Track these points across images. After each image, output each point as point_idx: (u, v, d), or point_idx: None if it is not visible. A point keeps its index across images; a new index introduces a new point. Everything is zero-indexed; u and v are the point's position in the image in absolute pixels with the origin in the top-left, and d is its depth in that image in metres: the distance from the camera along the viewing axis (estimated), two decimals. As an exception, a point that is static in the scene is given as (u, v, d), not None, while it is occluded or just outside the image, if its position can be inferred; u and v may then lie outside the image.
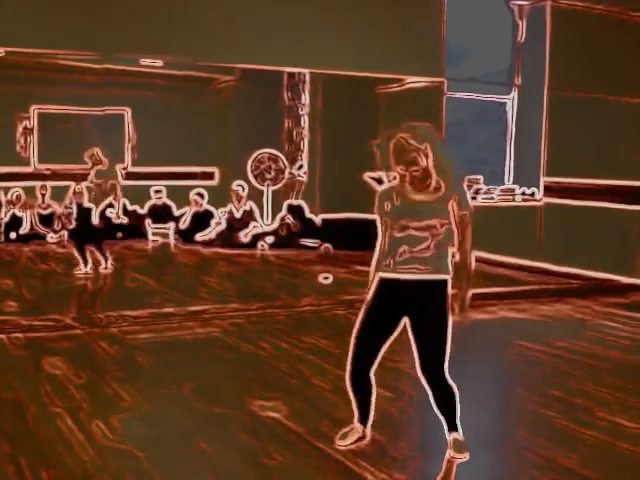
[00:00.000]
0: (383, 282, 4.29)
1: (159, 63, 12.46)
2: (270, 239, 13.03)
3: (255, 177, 13.63)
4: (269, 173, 13.72)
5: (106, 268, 10.14)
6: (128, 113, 14.92)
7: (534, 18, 12.03)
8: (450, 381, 4.24)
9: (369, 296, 4.35)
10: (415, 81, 12.12)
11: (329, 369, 6.01)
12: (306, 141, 13.92)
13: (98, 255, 10.15)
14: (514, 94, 12.52)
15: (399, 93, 12.79)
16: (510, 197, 12.11)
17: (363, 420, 4.42)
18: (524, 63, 12.34)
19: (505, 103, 12.61)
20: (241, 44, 10.26)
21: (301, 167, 13.81)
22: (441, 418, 4.30)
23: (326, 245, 12.67)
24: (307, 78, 13.69)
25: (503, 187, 12.26)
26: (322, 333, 7.26)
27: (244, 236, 12.93)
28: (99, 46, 9.91)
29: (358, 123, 13.29)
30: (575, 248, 10.14)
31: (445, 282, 4.20)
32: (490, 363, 6.67)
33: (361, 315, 4.38)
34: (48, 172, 14.37)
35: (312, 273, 10.30)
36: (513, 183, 12.42)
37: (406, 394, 5.56)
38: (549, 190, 11.85)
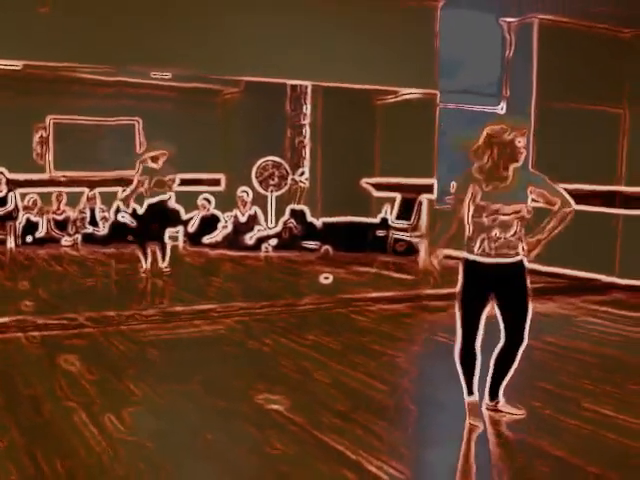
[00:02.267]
0: (474, 264, 4.58)
1: (168, 76, 12.46)
2: (274, 242, 13.02)
3: (259, 183, 13.62)
4: (273, 179, 13.71)
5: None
6: (139, 123, 14.90)
7: (522, 33, 12.01)
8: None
9: (462, 279, 4.66)
10: (410, 93, 12.12)
11: (330, 364, 6.00)
12: (307, 149, 13.91)
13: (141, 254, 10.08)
14: (503, 105, 12.49)
15: (395, 104, 12.79)
16: (500, 202, 12.07)
17: (470, 392, 4.70)
18: (512, 76, 12.31)
19: (494, 114, 12.57)
20: (245, 58, 10.26)
21: (303, 174, 13.80)
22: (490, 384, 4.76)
23: (326, 247, 12.65)
24: (308, 90, 13.68)
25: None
26: (323, 330, 7.25)
27: (249, 239, 12.91)
28: (112, 59, 9.91)
29: (356, 132, 13.30)
30: (560, 249, 10.11)
31: (523, 262, 4.60)
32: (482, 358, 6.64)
33: (459, 297, 4.68)
34: (63, 179, 14.36)
35: (313, 273, 10.28)
36: (502, 188, 12.37)
37: (401, 387, 5.55)
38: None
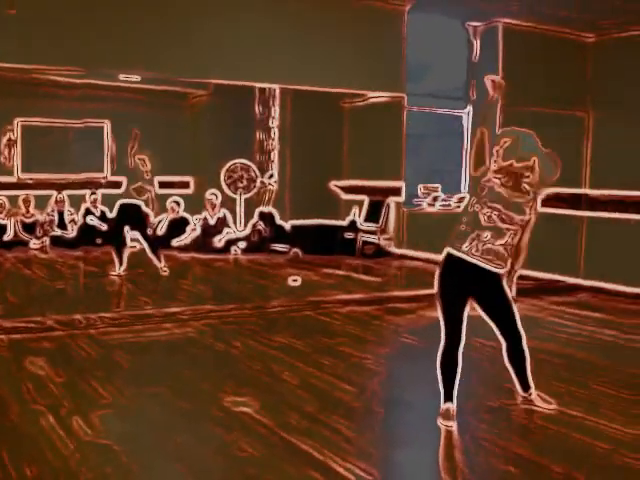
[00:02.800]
0: (458, 262, 4.61)
1: (137, 78, 12.40)
2: (243, 244, 13.00)
3: (228, 186, 13.59)
4: (241, 182, 13.69)
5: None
6: (108, 125, 14.81)
7: (487, 37, 12.11)
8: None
9: (441, 277, 4.73)
10: (377, 96, 12.17)
11: (298, 366, 6.01)
12: (276, 152, 13.91)
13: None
14: (469, 108, 12.59)
15: (363, 107, 12.85)
16: (466, 204, 12.17)
17: (448, 399, 4.73)
18: (478, 79, 12.40)
19: (461, 117, 12.68)
20: (214, 61, 10.25)
21: (272, 176, 13.79)
22: (517, 380, 4.91)
23: (295, 250, 12.66)
24: (277, 93, 13.69)
25: (460, 195, 12.33)
26: (292, 333, 7.25)
27: (218, 241, 12.88)
28: (81, 62, 9.84)
29: (325, 135, 13.34)
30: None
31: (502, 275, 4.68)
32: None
33: (439, 297, 4.73)
34: (31, 181, 14.23)
35: (282, 276, 10.28)
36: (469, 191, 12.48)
37: (369, 389, 5.57)
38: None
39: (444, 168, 13.13)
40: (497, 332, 4.82)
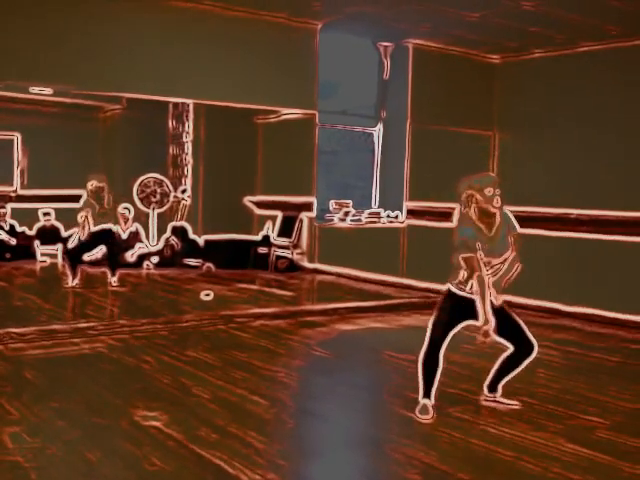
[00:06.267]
0: (462, 299, 5.05)
1: (49, 91, 12.19)
2: (155, 259, 12.88)
3: (141, 200, 13.44)
4: (154, 196, 13.56)
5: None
6: (18, 138, 14.49)
7: (398, 57, 12.36)
8: None
9: (443, 308, 5.19)
10: (290, 113, 12.26)
11: (209, 380, 6.00)
12: (190, 166, 13.84)
13: None
14: (380, 126, 12.80)
15: (276, 123, 12.91)
16: (377, 219, 12.36)
17: (426, 395, 5.11)
18: (389, 98, 12.65)
19: (372, 134, 12.88)
20: (127, 75, 10.17)
21: (185, 191, 13.71)
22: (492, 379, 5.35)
23: (208, 264, 12.62)
24: (191, 108, 13.64)
25: (370, 210, 12.50)
26: (203, 347, 7.24)
27: (130, 256, 12.73)
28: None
29: (238, 150, 13.35)
30: (435, 265, 10.42)
31: None
32: (359, 370, 6.79)
33: (436, 319, 5.18)
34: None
35: (195, 291, 10.23)
36: (379, 207, 12.67)
37: (280, 401, 5.61)
38: (411, 213, 12.17)
39: (355, 184, 13.30)
40: (509, 345, 5.20)
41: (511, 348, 5.20)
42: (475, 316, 4.98)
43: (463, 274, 5.01)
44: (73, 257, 10.59)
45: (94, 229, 10.33)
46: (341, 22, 11.09)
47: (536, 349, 5.15)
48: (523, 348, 5.16)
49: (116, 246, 11.03)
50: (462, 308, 5.04)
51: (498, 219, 4.96)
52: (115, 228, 10.76)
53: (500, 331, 5.02)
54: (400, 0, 9.73)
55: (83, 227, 10.34)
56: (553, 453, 4.51)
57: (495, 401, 5.39)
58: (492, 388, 5.40)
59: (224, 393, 5.64)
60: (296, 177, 12.22)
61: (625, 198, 10.11)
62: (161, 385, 5.89)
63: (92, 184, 10.35)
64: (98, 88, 10.57)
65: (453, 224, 5.14)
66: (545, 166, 11.64)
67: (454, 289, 5.10)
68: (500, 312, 5.05)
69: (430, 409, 5.08)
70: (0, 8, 9.29)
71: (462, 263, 4.95)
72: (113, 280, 10.46)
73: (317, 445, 4.84)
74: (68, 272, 10.40)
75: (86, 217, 10.30)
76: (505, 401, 5.38)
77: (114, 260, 10.71)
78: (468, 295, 5.01)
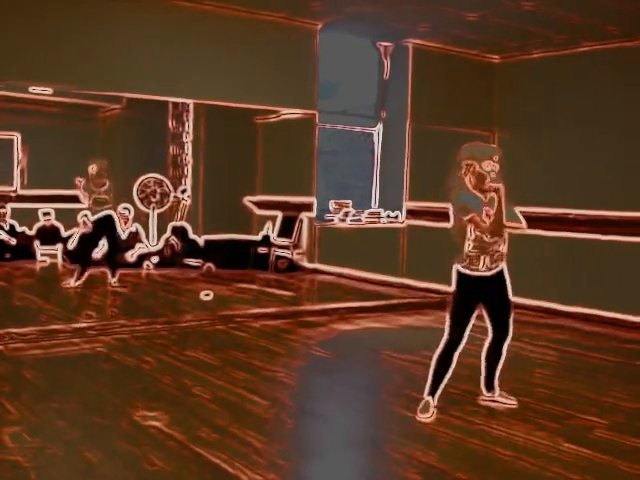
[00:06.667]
0: (476, 280, 5.03)
1: (49, 91, 12.20)
2: (155, 259, 12.88)
3: (141, 200, 13.45)
4: (154, 197, 13.57)
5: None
6: (18, 138, 14.51)
7: (397, 57, 12.37)
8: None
9: (458, 293, 5.14)
10: (290, 112, 12.27)
11: (209, 380, 6.01)
12: (190, 166, 13.85)
13: None
14: (380, 126, 12.81)
15: (276, 123, 12.92)
16: (376, 219, 12.37)
17: (433, 392, 5.13)
18: (389, 98, 12.66)
19: (372, 134, 12.89)
20: (127, 75, 10.18)
21: (185, 191, 13.72)
22: (485, 378, 5.39)
23: (208, 264, 12.63)
24: (191, 108, 13.65)
25: (370, 210, 12.52)
26: (203, 347, 7.25)
27: (130, 256, 12.73)
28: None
29: (238, 150, 13.36)
30: (434, 265, 10.43)
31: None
32: (359, 370, 6.80)
33: (453, 309, 5.16)
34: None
35: (195, 291, 10.23)
36: (379, 207, 12.69)
37: (280, 401, 5.62)
38: (411, 213, 12.18)
39: (355, 184, 13.31)
40: (490, 326, 5.27)
41: (490, 336, 5.27)
42: (489, 296, 5.06)
43: (468, 245, 4.97)
44: (81, 258, 10.52)
45: (95, 217, 10.17)
46: (341, 22, 11.10)
47: (511, 334, 5.26)
48: (501, 334, 5.23)
49: (117, 236, 10.85)
50: (475, 290, 5.06)
51: (495, 196, 4.94)
52: (116, 216, 10.50)
53: (491, 312, 5.16)
54: (400, 0, 9.74)
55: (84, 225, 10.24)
56: (552, 453, 4.52)
57: (493, 401, 5.42)
58: (489, 387, 5.43)
59: (224, 393, 5.65)
60: (296, 177, 12.23)
61: (624, 198, 10.12)
62: (161, 385, 5.90)
63: (92, 168, 10.16)
64: (98, 88, 10.59)
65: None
66: (544, 166, 11.65)
67: (463, 270, 5.06)
68: (499, 286, 5.09)
69: (431, 408, 5.09)
70: (0, 8, 9.31)
71: (467, 228, 4.93)
72: (113, 280, 10.43)
73: (317, 445, 4.85)
74: (76, 273, 10.23)
75: (86, 217, 10.29)
76: (503, 400, 5.41)
77: (114, 260, 10.60)
78: (479, 274, 5.00)
